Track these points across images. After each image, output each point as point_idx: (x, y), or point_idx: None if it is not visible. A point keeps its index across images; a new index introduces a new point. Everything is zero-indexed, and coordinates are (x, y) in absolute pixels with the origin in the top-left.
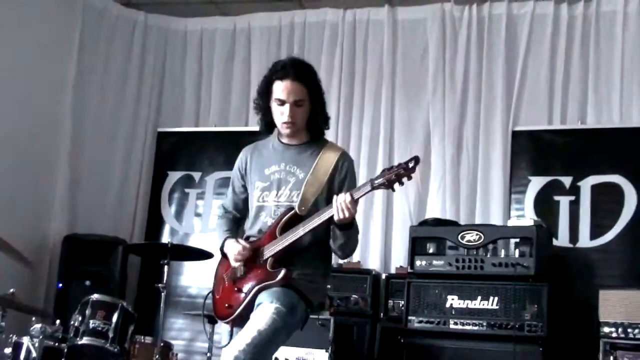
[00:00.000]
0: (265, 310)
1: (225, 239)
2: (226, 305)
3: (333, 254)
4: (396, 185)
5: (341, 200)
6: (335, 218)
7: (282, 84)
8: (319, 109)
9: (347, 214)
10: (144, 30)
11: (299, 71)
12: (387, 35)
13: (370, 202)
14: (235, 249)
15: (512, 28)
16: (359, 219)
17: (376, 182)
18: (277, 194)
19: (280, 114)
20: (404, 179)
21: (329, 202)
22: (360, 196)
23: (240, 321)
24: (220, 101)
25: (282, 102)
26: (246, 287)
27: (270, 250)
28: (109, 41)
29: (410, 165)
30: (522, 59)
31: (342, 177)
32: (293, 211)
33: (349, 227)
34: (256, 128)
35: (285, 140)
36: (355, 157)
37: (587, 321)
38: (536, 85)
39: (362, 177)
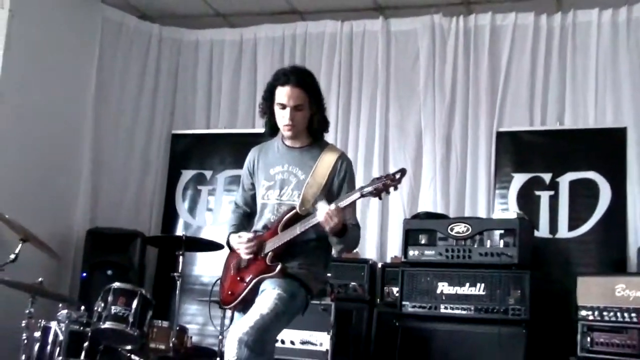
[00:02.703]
0: (268, 296)
1: (229, 234)
2: (229, 292)
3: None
4: (383, 194)
5: (325, 211)
6: (326, 228)
7: (284, 90)
8: (319, 113)
9: (331, 224)
10: (159, 41)
11: (299, 78)
12: (381, 45)
13: (367, 197)
14: (240, 243)
15: (496, 37)
16: (357, 214)
17: (365, 190)
18: (280, 193)
19: (282, 118)
20: (391, 189)
21: (327, 201)
22: (346, 205)
23: (242, 307)
24: (229, 106)
25: (283, 106)
26: (247, 277)
27: (270, 246)
28: (126, 51)
29: (397, 176)
30: (505, 66)
31: (341, 177)
32: (294, 211)
33: (343, 233)
34: (262, 130)
35: (288, 142)
36: (353, 157)
37: (566, 305)
38: (518, 90)
39: (358, 176)
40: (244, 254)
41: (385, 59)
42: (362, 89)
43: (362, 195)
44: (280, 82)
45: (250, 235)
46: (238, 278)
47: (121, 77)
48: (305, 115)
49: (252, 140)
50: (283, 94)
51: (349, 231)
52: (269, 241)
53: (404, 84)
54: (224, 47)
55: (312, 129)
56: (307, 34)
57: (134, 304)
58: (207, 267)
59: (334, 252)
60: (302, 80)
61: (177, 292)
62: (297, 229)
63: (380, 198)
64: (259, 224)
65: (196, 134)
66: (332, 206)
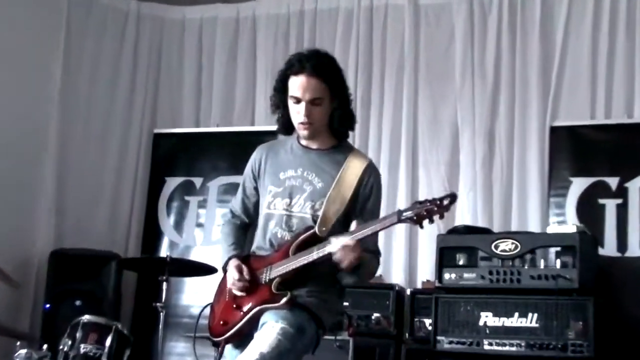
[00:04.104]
0: (270, 330)
1: (229, 258)
2: (221, 322)
3: None
4: (426, 222)
5: (341, 244)
6: (341, 265)
7: (298, 80)
8: (342, 107)
9: (346, 262)
10: (137, 20)
11: (317, 64)
12: (408, 22)
13: (393, 209)
14: (232, 276)
15: (549, 10)
16: None
17: (404, 215)
18: (289, 203)
19: (296, 114)
20: (436, 217)
21: (347, 220)
22: (365, 236)
23: (236, 341)
24: (223, 98)
25: (297, 100)
26: (246, 306)
27: (278, 270)
28: (98, 34)
29: (445, 202)
30: (560, 46)
31: (367, 193)
32: (312, 231)
33: (357, 268)
34: (263, 128)
35: (305, 142)
36: (375, 160)
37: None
38: (576, 75)
39: (383, 183)
40: (233, 289)
41: (412, 39)
42: (384, 77)
43: (400, 221)
44: (294, 71)
45: (247, 276)
46: (234, 305)
47: (92, 65)
48: (325, 110)
49: (251, 140)
50: (297, 85)
51: (363, 266)
52: (277, 264)
53: (436, 69)
54: (216, 27)
55: (335, 128)
56: (317, 10)
57: (108, 341)
58: (197, 296)
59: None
60: (321, 67)
61: (161, 326)
62: (315, 255)
63: (421, 226)
64: (262, 239)
65: (183, 133)
66: (350, 240)
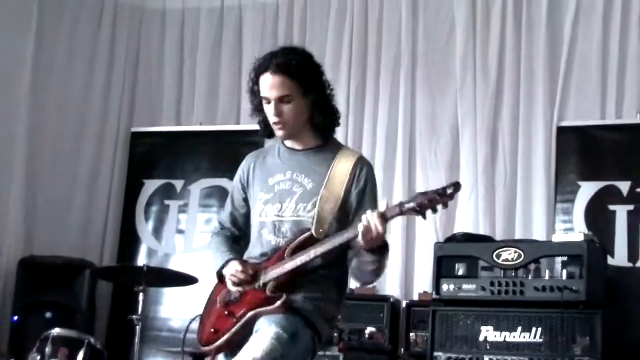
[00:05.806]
0: (264, 336)
1: (228, 261)
2: (212, 330)
3: (350, 278)
4: (429, 213)
5: (370, 218)
6: (368, 238)
7: (265, 79)
8: (319, 103)
9: (380, 229)
10: (114, 10)
11: (281, 62)
12: (405, 10)
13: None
14: (233, 269)
15: (557, 1)
16: None
17: (406, 206)
18: (281, 208)
19: (270, 114)
20: (439, 207)
21: (341, 219)
22: (392, 217)
23: (228, 350)
24: (206, 95)
25: (268, 101)
26: (238, 312)
27: (273, 274)
28: (72, 24)
29: (449, 191)
30: (568, 39)
31: (362, 187)
32: (309, 233)
33: (382, 250)
34: (249, 127)
35: (290, 144)
36: (370, 160)
37: None
38: (586, 72)
39: (378, 185)
40: (233, 281)
41: (410, 29)
42: (380, 71)
43: (402, 212)
44: (261, 70)
45: (250, 269)
46: (226, 312)
47: (65, 59)
48: (297, 108)
49: (237, 140)
50: (265, 84)
51: (387, 248)
52: (271, 268)
53: (436, 63)
54: (199, 18)
55: (317, 124)
56: None
57: (80, 356)
58: (176, 308)
59: (358, 272)
60: (285, 63)
61: (137, 340)
62: (312, 252)
63: (424, 217)
64: (255, 250)
65: (163, 132)
66: (376, 213)
